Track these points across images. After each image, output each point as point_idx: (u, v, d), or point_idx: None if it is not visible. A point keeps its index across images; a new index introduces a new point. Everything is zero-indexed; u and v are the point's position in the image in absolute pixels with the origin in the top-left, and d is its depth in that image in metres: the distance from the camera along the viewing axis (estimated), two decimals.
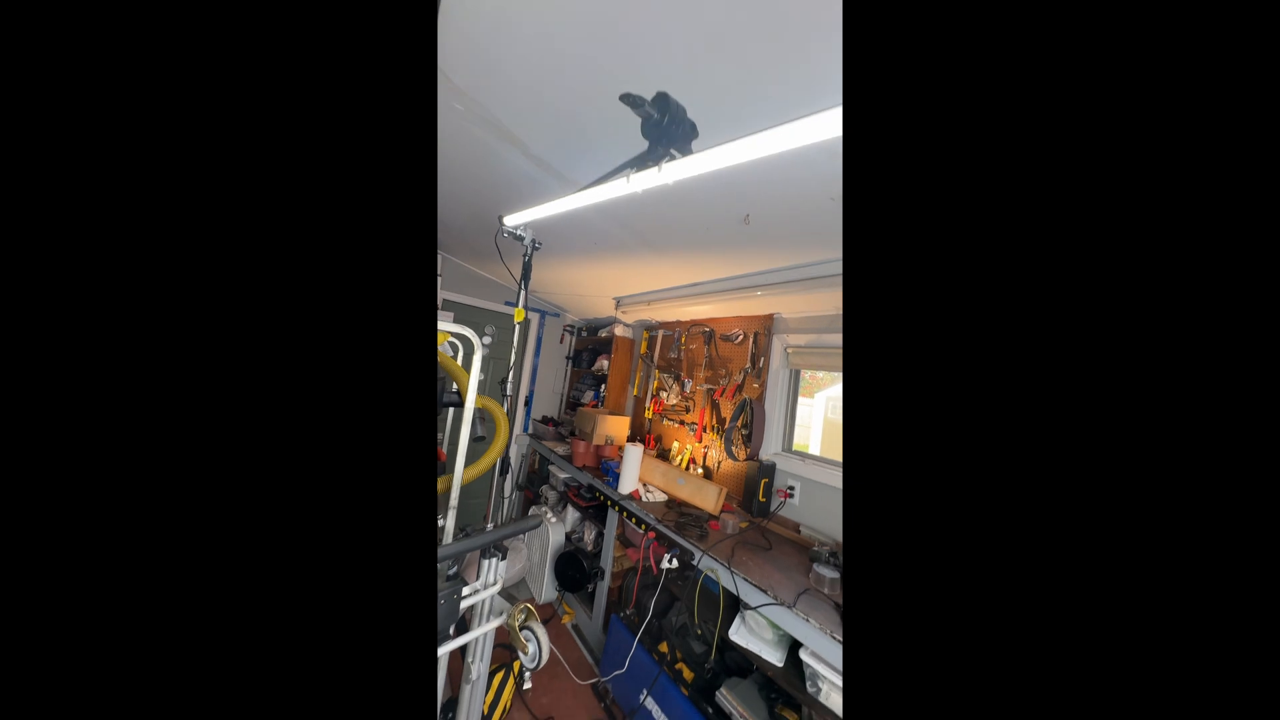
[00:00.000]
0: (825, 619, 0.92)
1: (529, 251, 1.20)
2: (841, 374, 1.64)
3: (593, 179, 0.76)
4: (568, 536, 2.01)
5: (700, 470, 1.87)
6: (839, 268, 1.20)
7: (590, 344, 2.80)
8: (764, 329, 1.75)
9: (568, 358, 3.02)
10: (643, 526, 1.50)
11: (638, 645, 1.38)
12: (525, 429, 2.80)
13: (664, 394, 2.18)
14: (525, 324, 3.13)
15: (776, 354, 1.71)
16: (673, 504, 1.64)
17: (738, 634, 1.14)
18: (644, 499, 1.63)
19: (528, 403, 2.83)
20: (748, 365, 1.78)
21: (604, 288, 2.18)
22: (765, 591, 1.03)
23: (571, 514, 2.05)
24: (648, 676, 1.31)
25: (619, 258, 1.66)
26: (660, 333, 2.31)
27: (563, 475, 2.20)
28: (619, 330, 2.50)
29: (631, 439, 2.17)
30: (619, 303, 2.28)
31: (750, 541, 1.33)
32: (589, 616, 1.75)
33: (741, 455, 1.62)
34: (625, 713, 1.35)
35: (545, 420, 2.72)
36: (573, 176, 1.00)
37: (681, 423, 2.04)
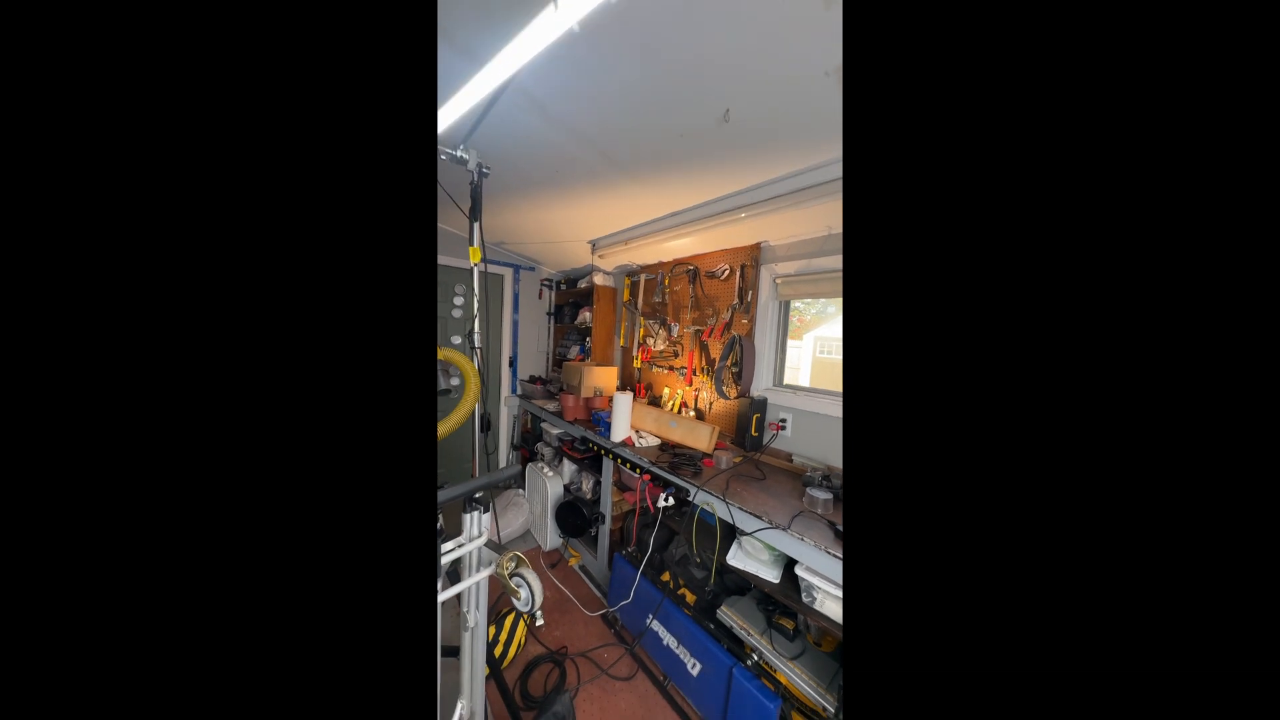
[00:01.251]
0: (819, 536, 0.93)
1: (475, 179, 1.03)
2: (833, 299, 1.57)
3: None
4: (566, 488, 2.04)
5: (693, 413, 1.86)
6: (831, 172, 1.07)
7: (571, 297, 2.66)
8: (750, 260, 1.64)
9: (549, 314, 2.89)
10: (638, 470, 1.50)
11: (641, 577, 1.44)
12: (514, 390, 2.75)
13: (651, 341, 2.10)
14: (497, 278, 2.91)
15: (765, 286, 1.62)
16: (666, 447, 1.64)
17: (735, 558, 1.17)
18: (637, 445, 1.62)
19: (513, 363, 2.75)
20: (735, 301, 1.70)
21: (577, 230, 2.00)
22: (760, 517, 1.03)
23: (568, 467, 2.07)
24: (652, 603, 1.38)
25: (587, 189, 1.49)
26: (642, 277, 2.18)
27: (555, 431, 2.19)
28: (599, 279, 2.35)
29: (621, 389, 2.13)
30: (595, 246, 2.12)
31: (744, 474, 1.34)
32: (594, 557, 1.82)
33: (732, 394, 1.59)
34: (634, 635, 1.44)
35: (533, 379, 2.67)
36: (489, 56, 0.78)
37: (671, 368, 2.00)
